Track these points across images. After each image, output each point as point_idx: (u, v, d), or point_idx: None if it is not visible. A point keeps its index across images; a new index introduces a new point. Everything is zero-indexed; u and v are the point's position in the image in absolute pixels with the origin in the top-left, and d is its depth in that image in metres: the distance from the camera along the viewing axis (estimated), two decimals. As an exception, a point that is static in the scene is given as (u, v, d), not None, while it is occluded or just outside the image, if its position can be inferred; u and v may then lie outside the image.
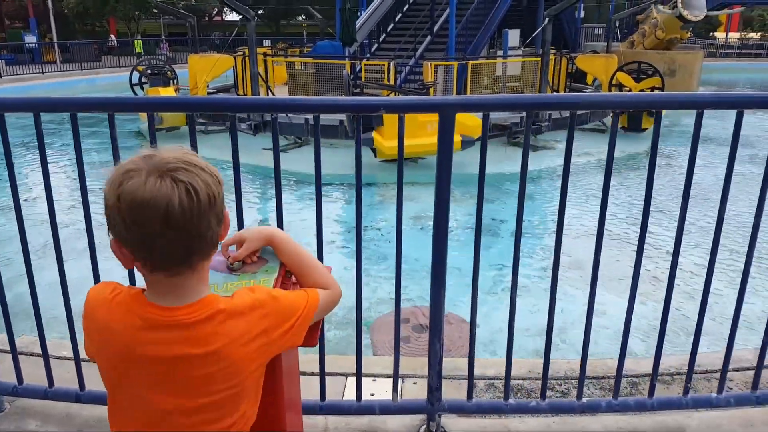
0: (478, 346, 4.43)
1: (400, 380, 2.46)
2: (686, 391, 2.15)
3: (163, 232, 0.94)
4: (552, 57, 13.00)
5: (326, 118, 10.67)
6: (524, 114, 1.89)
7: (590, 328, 2.07)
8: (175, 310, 1.02)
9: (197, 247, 1.00)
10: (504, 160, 8.94)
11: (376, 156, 9.37)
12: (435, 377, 2.03)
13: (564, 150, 1.83)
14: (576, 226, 6.74)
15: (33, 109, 1.93)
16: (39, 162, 2.02)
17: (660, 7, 19.12)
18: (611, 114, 1.81)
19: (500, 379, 2.46)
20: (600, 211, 1.95)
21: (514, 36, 14.86)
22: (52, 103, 2.01)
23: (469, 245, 1.99)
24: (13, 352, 2.21)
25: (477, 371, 2.62)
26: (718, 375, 2.23)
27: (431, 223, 1.91)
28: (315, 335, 1.23)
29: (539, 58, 12.23)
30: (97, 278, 2.09)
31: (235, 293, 1.09)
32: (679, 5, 17.78)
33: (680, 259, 2.00)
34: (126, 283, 1.49)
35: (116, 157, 1.94)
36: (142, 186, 0.93)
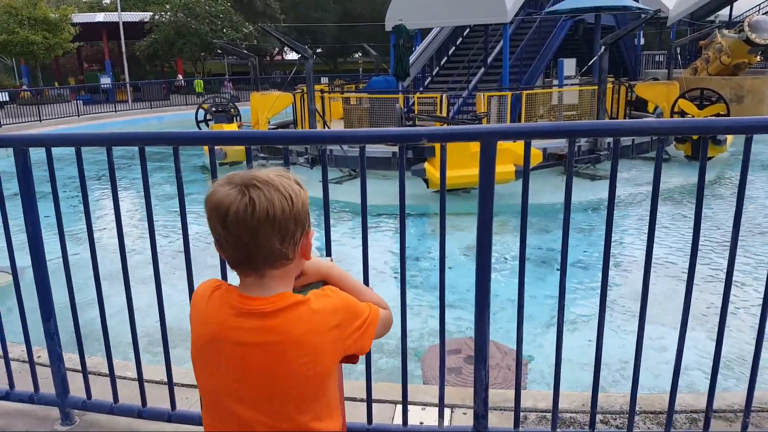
0: (538, 379, 4.36)
1: (449, 410, 2.46)
2: (745, 427, 2.05)
3: (225, 234, 1.10)
4: (610, 85, 12.79)
5: (379, 151, 10.86)
6: (581, 143, 1.91)
7: (640, 359, 2.02)
8: (254, 300, 1.15)
9: (259, 255, 1.11)
10: (560, 190, 8.80)
11: (428, 186, 9.43)
12: (481, 404, 2.03)
13: (626, 179, 1.83)
14: (640, 257, 6.53)
15: (105, 143, 2.12)
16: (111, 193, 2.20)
17: (725, 31, 18.50)
18: (672, 143, 1.80)
19: (550, 411, 2.42)
20: (647, 242, 1.92)
21: (569, 65, 14.74)
22: (122, 138, 2.20)
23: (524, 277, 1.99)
24: (84, 370, 2.39)
25: (529, 404, 2.59)
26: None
27: None
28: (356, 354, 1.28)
29: (596, 87, 12.06)
30: (161, 303, 2.25)
31: (310, 292, 1.20)
32: (746, 29, 17.17)
33: (751, 291, 1.94)
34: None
35: (180, 188, 2.11)
36: (219, 192, 1.10)
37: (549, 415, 2.48)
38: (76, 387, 2.46)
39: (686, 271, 1.93)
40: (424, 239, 8.30)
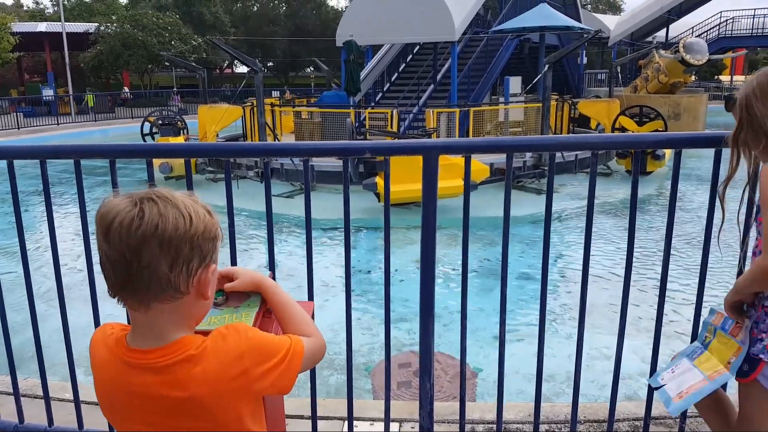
0: (488, 391, 4.39)
1: (396, 424, 2.45)
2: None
3: (106, 249, 0.96)
4: (553, 103, 13.23)
5: (331, 165, 10.85)
6: (526, 158, 1.95)
7: (580, 368, 2.07)
8: (148, 353, 1.02)
9: (141, 278, 0.96)
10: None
11: (380, 200, 9.48)
12: (426, 418, 2.03)
13: (569, 193, 1.89)
14: (579, 269, 6.71)
15: (39, 156, 2.04)
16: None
17: (662, 51, 19.45)
18: (615, 157, 1.86)
19: (493, 423, 2.44)
20: (584, 254, 1.98)
21: (515, 83, 15.19)
22: (56, 150, 2.11)
23: (476, 289, 2.02)
24: (16, 393, 2.28)
25: (476, 415, 2.61)
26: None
27: (441, 266, 1.95)
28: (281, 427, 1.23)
29: (540, 104, 12.46)
30: (97, 323, 2.15)
31: (210, 334, 1.06)
32: (681, 50, 18.10)
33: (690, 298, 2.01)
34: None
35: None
36: (109, 203, 0.98)
37: (492, 426, 2.50)
38: (7, 411, 2.36)
39: (638, 282, 2.00)
40: (376, 252, 8.31)
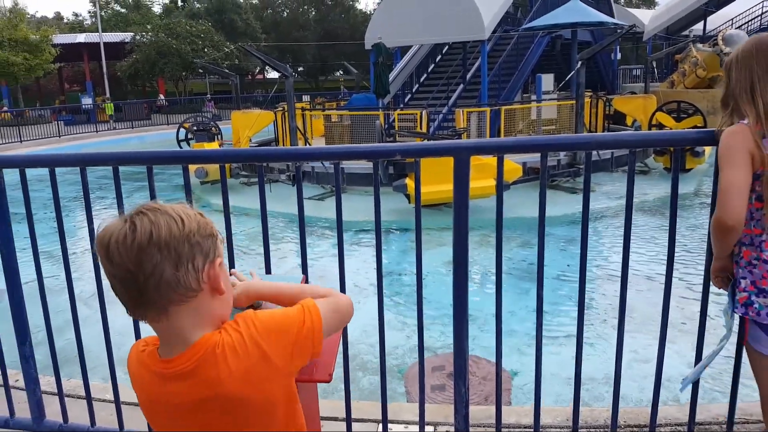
0: (524, 394, 4.33)
1: (431, 427, 2.43)
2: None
3: (111, 269, 0.98)
4: (588, 99, 12.97)
5: (361, 167, 10.90)
6: (560, 157, 1.91)
7: (620, 371, 2.01)
8: (174, 361, 1.04)
9: (150, 286, 0.98)
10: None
11: (410, 202, 9.45)
12: (461, 421, 2.01)
13: (606, 192, 1.84)
14: (616, 270, 6.56)
15: (79, 164, 2.10)
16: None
17: (699, 45, 18.89)
18: (652, 155, 1.82)
19: (529, 427, 2.40)
20: (623, 254, 1.93)
21: (547, 80, 14.96)
22: (96, 158, 2.18)
23: (510, 291, 1.99)
24: (60, 393, 2.36)
25: (512, 419, 2.57)
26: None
27: (469, 268, 1.93)
28: (329, 370, 1.24)
29: (574, 101, 12.24)
30: (137, 325, 2.20)
31: (222, 328, 1.08)
32: (720, 43, 17.57)
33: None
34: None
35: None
36: (104, 226, 1.00)
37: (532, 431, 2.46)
38: (52, 411, 2.43)
39: (673, 282, 1.95)
40: (407, 254, 8.29)
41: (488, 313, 5.68)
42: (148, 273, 0.97)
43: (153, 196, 2.06)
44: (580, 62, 10.84)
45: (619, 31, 16.24)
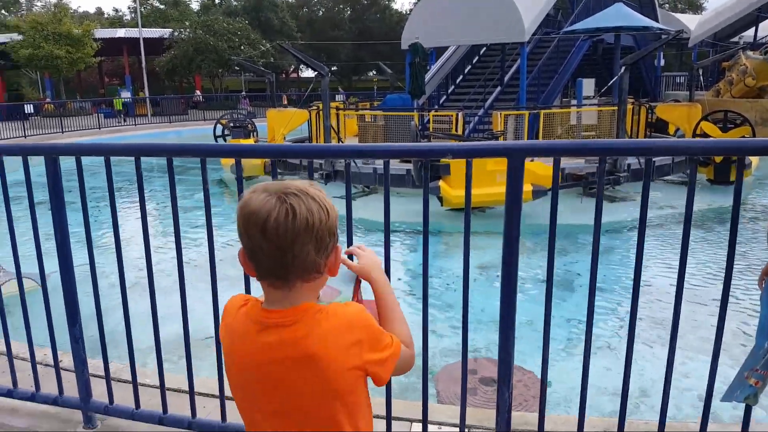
0: (558, 402, 4.27)
1: (466, 430, 2.41)
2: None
3: (261, 243, 1.07)
4: (630, 106, 12.71)
5: (393, 168, 10.87)
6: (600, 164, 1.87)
7: (669, 388, 1.96)
8: (275, 313, 1.13)
9: (293, 265, 1.09)
10: (579, 211, 8.72)
11: (442, 205, 9.41)
12: (503, 425, 1.98)
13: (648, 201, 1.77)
14: (660, 284, 6.39)
15: (134, 153, 2.14)
16: (132, 204, 2.21)
17: (749, 53, 18.22)
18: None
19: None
20: (679, 268, 1.87)
21: (588, 85, 14.68)
22: (151, 148, 2.23)
23: (540, 298, 1.95)
24: (107, 375, 2.42)
25: (548, 427, 2.53)
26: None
27: (499, 273, 1.90)
28: None
29: (616, 107, 12.00)
30: (185, 313, 2.26)
31: (330, 304, 1.16)
32: (773, 50, 16.95)
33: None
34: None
35: (207, 199, 2.11)
36: (255, 200, 1.08)
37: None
38: (97, 393, 2.49)
39: (709, 296, 1.88)
40: (437, 258, 8.25)
41: (522, 320, 5.59)
42: (296, 254, 1.08)
43: (206, 188, 2.10)
44: (623, 67, 10.61)
45: (665, 36, 15.86)
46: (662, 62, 23.04)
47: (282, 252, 1.07)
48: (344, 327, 1.12)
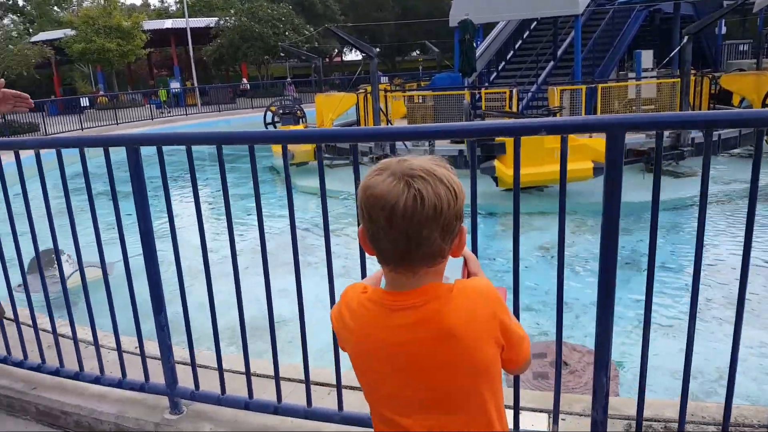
0: (628, 384, 4.15)
1: (546, 415, 2.34)
2: None
3: (387, 228, 1.03)
4: (692, 77, 12.13)
5: (444, 148, 10.72)
6: (663, 138, 1.75)
7: (735, 369, 1.85)
8: (402, 294, 1.08)
9: (419, 251, 1.04)
10: (641, 188, 8.41)
11: (497, 185, 9.23)
12: (600, 411, 1.91)
13: (712, 177, 1.66)
14: (734, 262, 6.13)
15: (215, 142, 2.19)
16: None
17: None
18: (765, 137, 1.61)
19: (672, 421, 2.25)
20: (744, 245, 1.75)
21: (647, 57, 14.04)
22: (231, 137, 2.29)
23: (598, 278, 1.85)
24: (192, 361, 2.46)
25: (647, 413, 2.43)
26: None
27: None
28: None
29: (677, 80, 11.45)
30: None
31: (456, 281, 1.12)
32: None
33: None
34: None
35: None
36: (381, 183, 1.03)
37: (655, 425, 2.32)
38: (182, 379, 2.52)
39: None
40: (494, 240, 8.13)
41: (586, 302, 5.47)
42: (422, 240, 1.03)
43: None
44: (686, 37, 10.08)
45: (730, 3, 14.98)
46: (723, 30, 21.79)
47: (406, 239, 1.02)
48: (479, 300, 1.07)
